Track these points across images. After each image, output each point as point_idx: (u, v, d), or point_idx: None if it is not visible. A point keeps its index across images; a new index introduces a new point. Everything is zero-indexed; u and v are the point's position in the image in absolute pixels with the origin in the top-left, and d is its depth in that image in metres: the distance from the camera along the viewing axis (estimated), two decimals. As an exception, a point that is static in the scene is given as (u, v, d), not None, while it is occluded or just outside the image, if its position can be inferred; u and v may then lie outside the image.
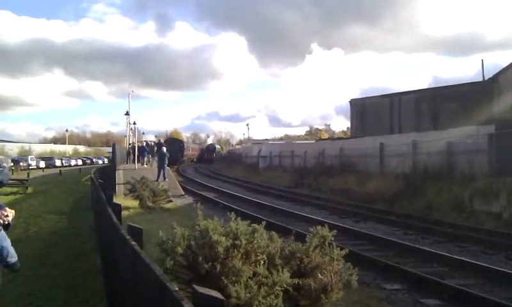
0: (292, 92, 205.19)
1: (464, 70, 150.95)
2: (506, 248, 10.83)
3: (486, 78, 30.23)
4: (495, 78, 28.35)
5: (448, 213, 15.72)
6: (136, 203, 16.77)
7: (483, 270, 8.68)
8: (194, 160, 75.02)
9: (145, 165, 32.22)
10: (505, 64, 27.77)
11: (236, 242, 4.92)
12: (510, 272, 8.41)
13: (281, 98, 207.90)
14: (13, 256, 3.87)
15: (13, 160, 52.15)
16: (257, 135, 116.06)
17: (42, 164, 59.39)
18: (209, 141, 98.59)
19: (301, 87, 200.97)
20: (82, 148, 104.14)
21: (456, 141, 19.65)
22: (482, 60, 54.67)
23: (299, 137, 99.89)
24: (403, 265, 9.07)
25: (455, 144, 19.65)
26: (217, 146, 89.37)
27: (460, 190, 16.46)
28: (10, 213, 3.81)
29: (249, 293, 4.48)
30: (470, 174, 17.37)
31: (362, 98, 41.67)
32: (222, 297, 2.24)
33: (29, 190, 26.84)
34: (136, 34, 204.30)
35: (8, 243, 3.85)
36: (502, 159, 16.81)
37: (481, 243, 11.47)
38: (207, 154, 77.18)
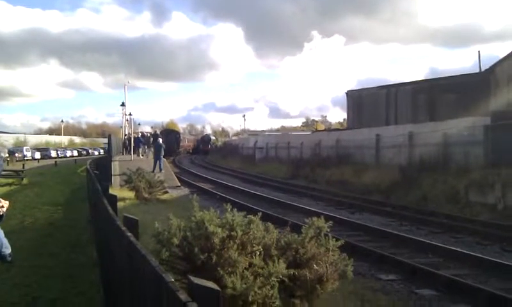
0: (289, 83, 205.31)
1: (461, 62, 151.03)
2: (501, 239, 10.89)
3: (483, 69, 30.22)
4: (492, 69, 28.34)
5: (444, 204, 15.78)
6: (131, 194, 16.75)
7: (478, 260, 8.73)
8: (190, 151, 74.16)
9: (141, 157, 32.17)
10: (502, 56, 27.80)
11: (232, 233, 4.93)
12: (505, 262, 8.47)
13: (278, 89, 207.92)
14: (7, 247, 3.85)
15: (8, 151, 51.95)
16: (254, 126, 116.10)
17: (37, 155, 59.11)
18: (207, 132, 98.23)
19: (298, 78, 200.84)
20: (77, 139, 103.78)
21: (452, 133, 19.69)
22: (479, 51, 54.53)
23: (295, 129, 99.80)
24: (398, 256, 9.12)
25: (451, 135, 19.69)
26: (213, 137, 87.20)
27: (455, 181, 16.52)
28: (5, 204, 3.79)
29: (245, 283, 4.49)
30: (465, 166, 17.43)
31: (359, 89, 41.58)
32: (218, 288, 2.23)
33: (25, 181, 26.78)
34: (132, 25, 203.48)
35: (1, 234, 3.83)
36: (498, 151, 16.88)
37: (476, 234, 11.53)
38: (202, 145, 74.98)
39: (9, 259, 3.91)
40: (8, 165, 39.32)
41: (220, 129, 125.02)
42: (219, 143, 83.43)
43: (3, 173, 27.84)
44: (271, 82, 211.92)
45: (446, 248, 9.71)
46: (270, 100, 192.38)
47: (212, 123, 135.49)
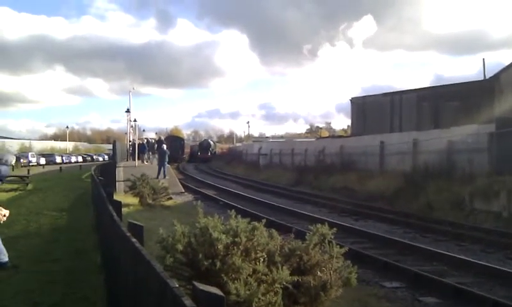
0: (294, 90, 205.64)
1: (466, 69, 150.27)
2: (506, 247, 10.84)
3: (488, 77, 30.20)
4: (496, 77, 28.31)
5: (448, 211, 15.72)
6: (136, 200, 16.79)
7: (482, 268, 8.69)
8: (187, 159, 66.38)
9: (145, 163, 32.25)
10: (507, 63, 27.75)
11: (236, 239, 4.94)
12: (509, 270, 8.43)
13: (283, 95, 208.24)
14: (4, 255, 3.88)
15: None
16: (258, 132, 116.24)
17: (42, 160, 59.38)
18: (211, 138, 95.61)
19: (303, 84, 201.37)
20: (82, 145, 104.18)
21: (456, 140, 19.65)
22: (483, 59, 54.53)
23: (299, 135, 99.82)
24: (402, 263, 9.09)
25: (455, 143, 19.65)
26: (212, 142, 77.26)
27: (460, 189, 16.46)
28: (6, 213, 3.81)
29: (249, 290, 4.49)
30: (470, 173, 17.36)
31: (363, 96, 41.63)
32: (222, 294, 2.25)
33: (30, 187, 26.86)
34: (137, 31, 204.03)
35: None
36: (503, 158, 16.81)
37: (481, 242, 11.49)
38: (201, 152, 66.90)
39: (6, 266, 3.93)
40: (13, 170, 39.53)
41: (224, 135, 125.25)
42: (217, 149, 76.77)
43: (8, 178, 28.00)
44: (276, 88, 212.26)
45: (450, 256, 9.68)
46: (274, 107, 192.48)
47: (217, 129, 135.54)
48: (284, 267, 4.83)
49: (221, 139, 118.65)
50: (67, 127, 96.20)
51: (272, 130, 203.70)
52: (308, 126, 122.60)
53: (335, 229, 5.64)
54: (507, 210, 14.13)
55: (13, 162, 46.29)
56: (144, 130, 62.02)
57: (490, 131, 18.11)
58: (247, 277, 4.68)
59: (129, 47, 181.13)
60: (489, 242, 11.40)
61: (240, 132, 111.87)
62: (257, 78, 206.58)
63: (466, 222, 14.14)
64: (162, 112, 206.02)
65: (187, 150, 68.44)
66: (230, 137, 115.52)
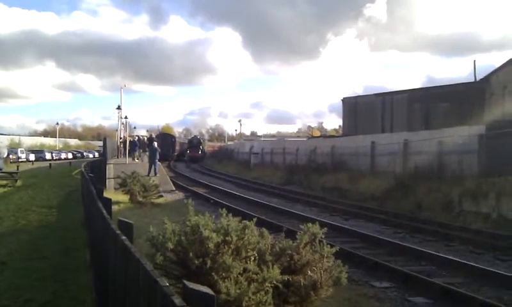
0: (286, 89, 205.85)
1: (458, 70, 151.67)
2: (494, 248, 10.94)
3: (479, 79, 30.47)
4: (487, 79, 28.56)
5: (438, 212, 15.84)
6: (126, 198, 16.71)
7: (471, 269, 8.76)
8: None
9: (136, 160, 32.09)
10: (498, 65, 28.02)
11: (227, 238, 4.92)
12: (497, 271, 8.50)
13: (275, 94, 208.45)
14: None
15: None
16: (250, 131, 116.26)
17: (32, 156, 58.77)
18: (204, 136, 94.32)
19: (296, 84, 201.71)
20: (72, 142, 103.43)
21: (446, 141, 19.79)
22: (474, 61, 54.94)
23: (291, 134, 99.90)
24: (392, 263, 9.13)
25: (446, 144, 19.79)
26: (202, 140, 72.87)
27: (450, 190, 16.57)
28: None
29: (239, 289, 4.49)
30: (460, 175, 17.51)
31: (355, 96, 41.79)
32: (212, 293, 2.24)
33: (19, 183, 26.63)
34: (130, 27, 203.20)
35: None
36: (492, 160, 16.97)
37: (469, 242, 11.57)
38: (190, 150, 62.93)
39: None
40: (4, 164, 39.13)
41: (216, 134, 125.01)
42: (207, 148, 73.86)
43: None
44: (268, 87, 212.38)
45: (439, 256, 9.74)
46: (267, 105, 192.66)
47: (208, 127, 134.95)
48: (275, 266, 4.83)
49: (213, 137, 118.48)
50: (57, 123, 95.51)
51: (264, 129, 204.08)
52: (300, 126, 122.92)
53: (325, 228, 5.65)
54: (496, 211, 14.26)
55: (5, 155, 45.81)
56: (135, 127, 61.66)
57: (480, 133, 18.26)
58: (237, 276, 4.68)
59: (121, 43, 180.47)
60: (478, 242, 11.49)
61: (232, 130, 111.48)
62: (250, 76, 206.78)
63: (455, 223, 14.24)
64: (153, 109, 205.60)
65: (178, 148, 67.68)
66: (222, 136, 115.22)
